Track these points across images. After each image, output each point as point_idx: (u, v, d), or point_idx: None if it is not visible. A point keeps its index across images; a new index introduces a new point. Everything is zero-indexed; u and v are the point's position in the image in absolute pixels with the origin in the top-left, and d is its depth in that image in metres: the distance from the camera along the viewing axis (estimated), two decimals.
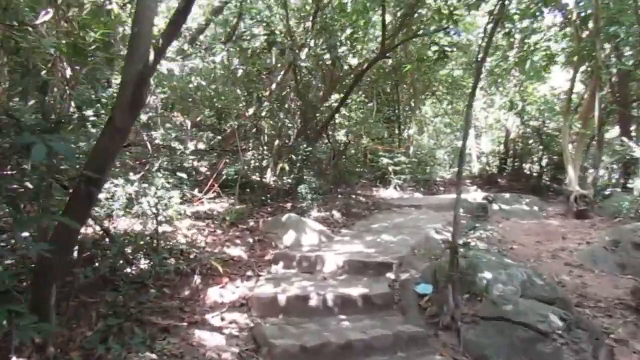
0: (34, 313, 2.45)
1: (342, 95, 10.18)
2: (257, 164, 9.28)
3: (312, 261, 5.12)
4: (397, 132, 16.01)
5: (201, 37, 11.84)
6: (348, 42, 10.51)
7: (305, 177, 8.68)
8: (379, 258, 5.10)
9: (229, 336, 3.62)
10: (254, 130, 10.20)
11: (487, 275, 4.31)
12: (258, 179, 8.79)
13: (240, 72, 10.15)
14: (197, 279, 4.28)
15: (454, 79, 16.24)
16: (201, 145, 10.46)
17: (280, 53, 8.95)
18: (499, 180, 17.38)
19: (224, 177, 8.86)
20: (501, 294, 4.11)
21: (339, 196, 9.73)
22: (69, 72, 3.96)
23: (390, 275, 4.81)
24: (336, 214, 7.57)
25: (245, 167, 9.01)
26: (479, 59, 4.91)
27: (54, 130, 2.62)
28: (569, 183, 9.90)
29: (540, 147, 15.90)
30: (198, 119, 13.36)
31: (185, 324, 3.67)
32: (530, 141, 16.61)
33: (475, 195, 12.80)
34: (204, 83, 12.36)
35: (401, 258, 5.15)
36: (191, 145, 9.94)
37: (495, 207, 10.90)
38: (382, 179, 13.57)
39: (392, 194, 11.78)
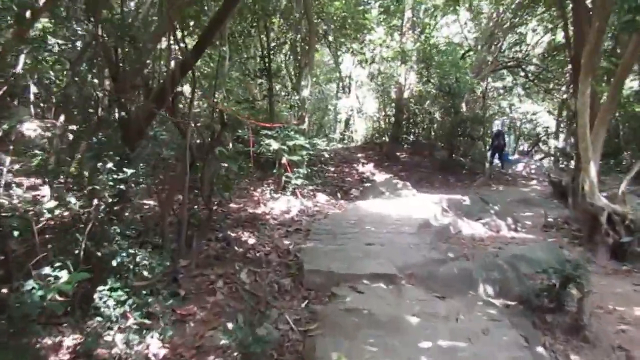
0: None
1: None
2: None
3: None
4: (268, 94, 10.60)
5: None
6: None
7: (121, 240, 2.83)
8: None
9: None
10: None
11: None
12: None
13: None
14: None
15: (350, 13, 11.32)
16: None
17: None
18: (398, 153, 13.66)
19: None
20: None
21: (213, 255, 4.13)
22: None
23: None
24: None
25: None
26: None
27: None
28: (589, 190, 5.88)
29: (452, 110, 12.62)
30: None
31: None
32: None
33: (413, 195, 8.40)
34: None
35: None
36: None
37: (460, 223, 6.71)
38: (264, 169, 8.28)
39: (292, 205, 6.56)
